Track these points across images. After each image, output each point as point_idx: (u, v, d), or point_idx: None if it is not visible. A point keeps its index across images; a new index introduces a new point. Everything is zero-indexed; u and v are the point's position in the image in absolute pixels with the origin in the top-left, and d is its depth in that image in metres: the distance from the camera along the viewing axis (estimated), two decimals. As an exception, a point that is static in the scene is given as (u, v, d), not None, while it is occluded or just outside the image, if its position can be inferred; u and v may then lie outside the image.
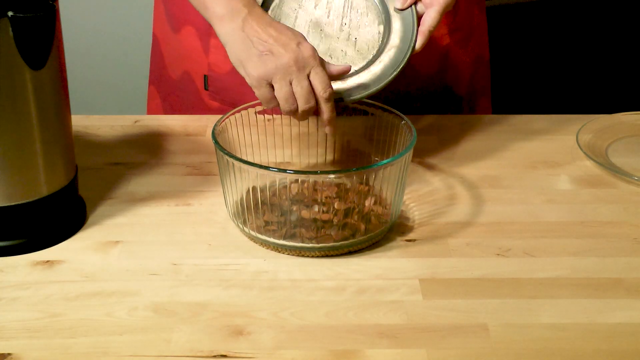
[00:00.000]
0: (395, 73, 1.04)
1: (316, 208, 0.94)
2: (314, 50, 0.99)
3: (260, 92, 1.00)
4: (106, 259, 0.95)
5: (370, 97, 1.04)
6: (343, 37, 1.08)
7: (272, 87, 0.99)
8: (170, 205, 1.05)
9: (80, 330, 0.84)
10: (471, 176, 1.12)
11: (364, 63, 1.07)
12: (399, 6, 1.08)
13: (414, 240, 0.99)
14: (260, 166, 0.92)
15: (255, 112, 1.06)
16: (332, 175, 0.96)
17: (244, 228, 0.97)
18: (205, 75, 1.27)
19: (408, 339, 0.83)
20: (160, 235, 0.99)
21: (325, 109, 1.00)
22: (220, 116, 1.03)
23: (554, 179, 1.12)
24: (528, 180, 1.12)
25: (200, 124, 1.25)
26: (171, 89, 1.25)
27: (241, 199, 0.97)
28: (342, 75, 1.03)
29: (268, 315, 0.86)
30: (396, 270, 0.93)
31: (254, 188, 0.95)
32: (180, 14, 1.26)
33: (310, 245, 0.94)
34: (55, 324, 0.85)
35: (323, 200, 0.94)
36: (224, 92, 1.26)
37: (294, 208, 0.95)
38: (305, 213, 0.94)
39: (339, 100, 1.02)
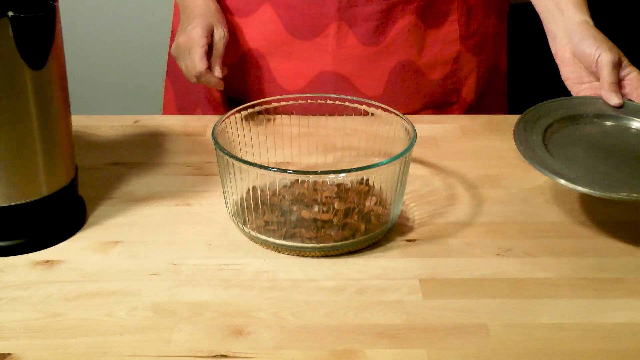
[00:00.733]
0: None
1: (316, 208, 0.94)
2: (200, 34, 1.16)
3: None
4: (106, 259, 0.95)
5: (370, 97, 1.04)
6: None
7: None
8: (170, 205, 1.05)
9: (80, 330, 0.84)
10: (471, 176, 1.12)
11: None
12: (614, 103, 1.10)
13: (414, 240, 0.99)
14: (260, 166, 0.92)
15: (255, 112, 1.06)
16: (332, 175, 0.96)
17: (244, 228, 0.97)
18: None
19: (408, 339, 0.83)
20: (160, 235, 0.99)
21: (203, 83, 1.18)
22: (220, 116, 1.03)
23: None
24: (528, 180, 1.12)
25: (200, 124, 1.25)
26: (183, 81, 1.28)
27: (241, 199, 0.97)
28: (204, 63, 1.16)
29: (268, 315, 0.86)
30: (396, 270, 0.93)
31: (254, 188, 0.95)
32: None
33: (310, 245, 0.94)
34: (55, 324, 0.85)
35: (323, 200, 0.94)
36: (229, 82, 1.27)
37: (294, 208, 0.95)
38: (305, 213, 0.94)
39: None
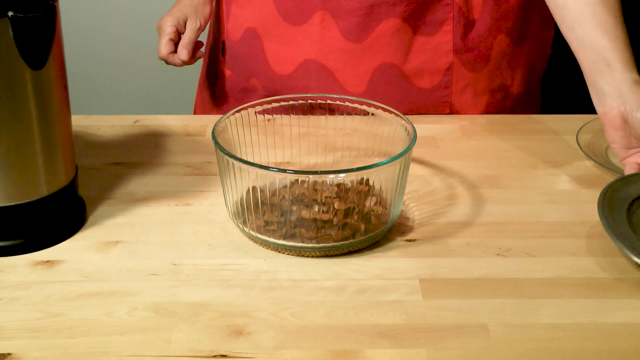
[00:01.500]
0: None
1: (316, 208, 0.94)
2: (169, 23, 1.31)
3: None
4: (106, 259, 0.95)
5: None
6: None
7: None
8: (170, 205, 1.05)
9: (80, 330, 0.84)
10: (471, 176, 1.12)
11: None
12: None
13: (414, 240, 0.99)
14: (260, 166, 0.92)
15: (255, 112, 1.06)
16: (332, 175, 0.96)
17: (244, 228, 0.97)
18: (222, 42, 1.37)
19: (408, 339, 0.83)
20: (160, 235, 0.99)
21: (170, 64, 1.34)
22: (220, 116, 1.03)
23: (554, 179, 1.12)
24: (528, 180, 1.12)
25: (200, 124, 1.25)
26: (205, 59, 1.43)
27: (241, 199, 0.97)
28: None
29: (268, 315, 0.86)
30: (396, 270, 0.93)
31: (254, 188, 0.95)
32: None
33: (310, 245, 0.94)
34: (55, 324, 0.85)
35: (323, 200, 0.94)
36: (234, 60, 1.35)
37: (294, 208, 0.95)
38: (305, 213, 0.94)
39: None
